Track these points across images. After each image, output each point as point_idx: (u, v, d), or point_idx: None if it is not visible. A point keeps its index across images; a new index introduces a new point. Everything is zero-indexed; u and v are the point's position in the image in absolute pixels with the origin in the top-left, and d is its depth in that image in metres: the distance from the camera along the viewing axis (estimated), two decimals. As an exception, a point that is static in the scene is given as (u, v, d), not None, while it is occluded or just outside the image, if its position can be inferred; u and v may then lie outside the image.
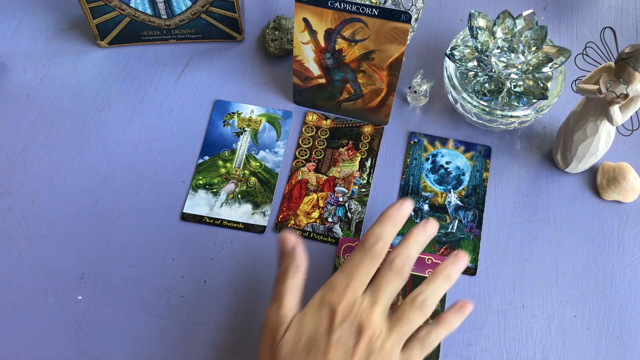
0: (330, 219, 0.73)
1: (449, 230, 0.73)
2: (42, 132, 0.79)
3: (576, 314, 0.68)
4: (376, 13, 0.68)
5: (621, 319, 0.68)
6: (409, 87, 0.80)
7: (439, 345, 0.66)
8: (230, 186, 0.75)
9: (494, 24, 0.73)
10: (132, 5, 0.78)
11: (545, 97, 0.70)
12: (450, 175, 0.76)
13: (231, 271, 0.70)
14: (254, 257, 0.71)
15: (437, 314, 0.67)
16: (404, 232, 0.72)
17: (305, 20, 0.72)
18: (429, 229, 0.56)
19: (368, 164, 0.77)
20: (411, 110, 0.81)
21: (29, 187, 0.75)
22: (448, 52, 0.73)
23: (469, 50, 0.74)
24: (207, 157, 0.77)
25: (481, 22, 0.73)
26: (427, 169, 0.76)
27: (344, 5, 0.68)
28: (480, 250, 0.71)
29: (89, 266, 0.70)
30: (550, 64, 0.71)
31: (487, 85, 0.72)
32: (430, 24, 0.87)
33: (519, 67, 0.72)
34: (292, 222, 0.73)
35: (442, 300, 0.68)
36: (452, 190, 0.75)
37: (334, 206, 0.74)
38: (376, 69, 0.74)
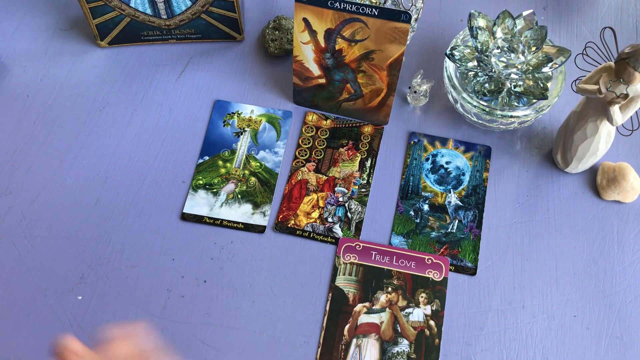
0: (330, 219, 0.73)
1: (449, 230, 0.73)
2: (42, 132, 0.79)
3: (576, 314, 0.68)
4: (376, 13, 0.68)
5: (621, 319, 0.68)
6: (409, 87, 0.80)
7: (439, 345, 0.66)
8: (230, 186, 0.75)
9: (494, 24, 0.73)
10: (132, 5, 0.78)
11: (545, 97, 0.70)
12: (450, 175, 0.76)
13: (231, 271, 0.70)
14: (254, 257, 0.71)
15: (437, 313, 0.67)
16: (404, 231, 0.72)
17: (305, 20, 0.71)
18: None
19: (368, 164, 0.77)
20: (411, 110, 0.81)
21: (29, 187, 0.75)
22: (448, 52, 0.73)
23: (469, 50, 0.74)
24: (207, 157, 0.77)
25: (481, 22, 0.73)
26: (427, 169, 0.76)
27: (344, 5, 0.68)
28: (480, 250, 0.71)
29: (89, 266, 0.70)
30: (550, 64, 0.71)
31: (487, 85, 0.72)
32: (430, 24, 0.87)
33: (519, 67, 0.72)
34: (292, 222, 0.73)
35: (442, 300, 0.68)
36: (452, 190, 0.75)
37: (334, 206, 0.74)
38: (376, 69, 0.74)
